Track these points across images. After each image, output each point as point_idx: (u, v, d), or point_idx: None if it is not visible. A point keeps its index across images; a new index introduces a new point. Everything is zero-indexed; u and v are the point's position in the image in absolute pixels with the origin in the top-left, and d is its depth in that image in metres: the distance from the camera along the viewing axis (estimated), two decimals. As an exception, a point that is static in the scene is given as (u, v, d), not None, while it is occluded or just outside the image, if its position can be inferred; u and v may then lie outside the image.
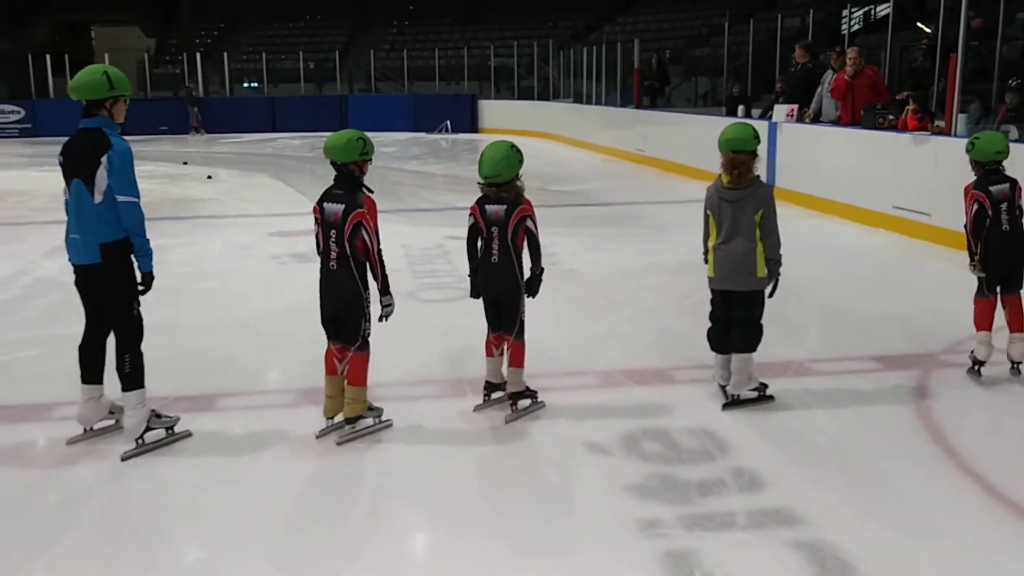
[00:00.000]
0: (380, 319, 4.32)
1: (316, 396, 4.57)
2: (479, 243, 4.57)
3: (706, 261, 4.77)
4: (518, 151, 4.48)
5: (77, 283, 4.27)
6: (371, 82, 31.02)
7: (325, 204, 4.20)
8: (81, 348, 4.34)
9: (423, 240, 9.66)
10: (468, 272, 4.71)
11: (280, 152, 21.84)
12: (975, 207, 5.01)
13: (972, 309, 5.14)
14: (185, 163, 18.30)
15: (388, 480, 4.04)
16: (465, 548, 3.44)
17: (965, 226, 5.12)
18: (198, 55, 29.79)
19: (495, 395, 4.78)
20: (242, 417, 4.74)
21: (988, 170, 5.06)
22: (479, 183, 4.57)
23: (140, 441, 4.27)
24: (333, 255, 4.20)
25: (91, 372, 4.34)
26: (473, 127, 27.50)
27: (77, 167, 4.10)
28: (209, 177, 15.79)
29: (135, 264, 4.21)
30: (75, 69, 26.46)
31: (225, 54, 31.20)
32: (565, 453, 4.22)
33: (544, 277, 4.69)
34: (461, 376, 5.24)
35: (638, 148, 17.71)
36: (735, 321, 4.66)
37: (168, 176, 16.30)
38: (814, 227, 10.29)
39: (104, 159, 4.04)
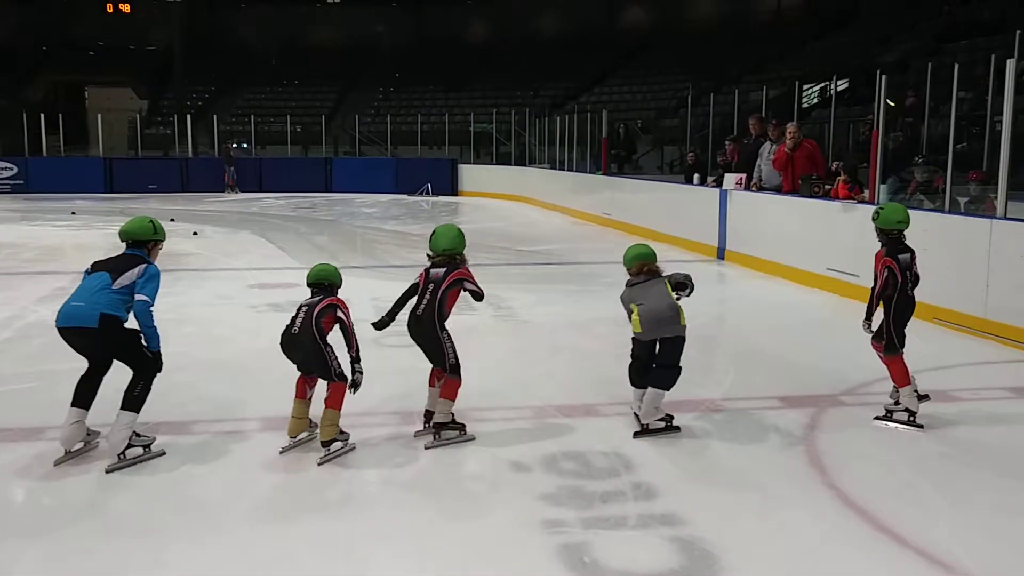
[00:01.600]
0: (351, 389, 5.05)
1: (284, 423, 5.24)
2: (413, 299, 5.40)
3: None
4: (463, 233, 5.54)
5: (73, 345, 4.92)
6: (356, 145, 32.11)
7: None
8: (81, 379, 5.04)
9: (393, 293, 10.12)
10: (386, 312, 5.48)
11: (265, 211, 22.65)
12: (886, 273, 5.56)
13: (875, 355, 5.73)
14: (172, 220, 19.01)
15: (340, 489, 4.71)
16: (391, 538, 4.12)
17: (873, 288, 5.67)
18: (188, 116, 30.83)
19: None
20: (216, 439, 5.40)
21: (891, 238, 5.65)
22: (429, 254, 5.49)
23: (122, 456, 4.91)
24: (299, 321, 5.07)
25: (81, 398, 4.99)
26: (453, 190, 28.46)
27: (111, 268, 4.99)
28: (195, 233, 16.53)
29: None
30: (69, 128, 27.41)
31: (215, 116, 32.22)
32: (491, 469, 4.91)
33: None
34: (412, 408, 5.91)
35: (605, 212, 18.61)
36: (661, 363, 5.44)
37: (155, 232, 16.98)
38: (758, 287, 11.09)
39: (140, 267, 4.99)
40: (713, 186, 14.01)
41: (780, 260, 11.56)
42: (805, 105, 22.01)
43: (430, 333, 5.27)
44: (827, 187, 11.03)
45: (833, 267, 10.35)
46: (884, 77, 9.92)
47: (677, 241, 14.54)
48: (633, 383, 5.59)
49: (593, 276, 12.16)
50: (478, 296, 5.51)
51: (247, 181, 28.87)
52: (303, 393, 5.17)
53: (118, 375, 5.06)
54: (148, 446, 5.07)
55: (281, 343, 5.12)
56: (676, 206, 15.25)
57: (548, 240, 16.48)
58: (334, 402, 5.00)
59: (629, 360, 5.65)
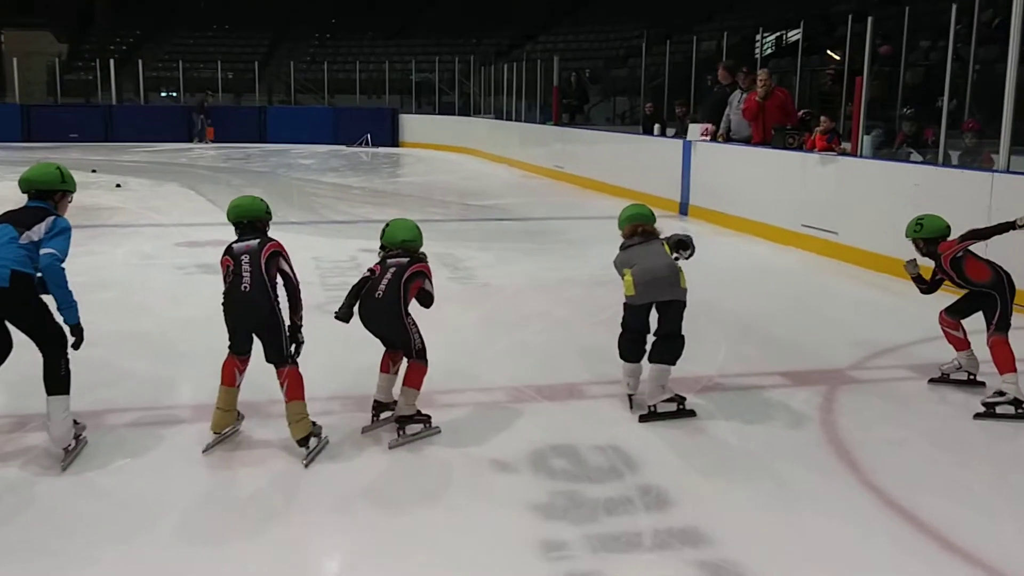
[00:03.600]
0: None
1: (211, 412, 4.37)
2: (366, 285, 4.51)
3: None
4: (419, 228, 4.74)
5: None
6: (291, 94, 30.61)
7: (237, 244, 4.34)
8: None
9: (336, 252, 9.48)
10: (344, 304, 4.53)
11: (195, 162, 21.32)
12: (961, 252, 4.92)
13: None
14: (94, 171, 17.70)
15: (280, 496, 3.88)
16: (351, 570, 3.31)
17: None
18: (112, 61, 29.00)
19: (384, 415, 4.58)
20: (133, 432, 4.51)
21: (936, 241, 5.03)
22: (384, 248, 4.63)
23: (69, 449, 4.16)
24: (245, 283, 4.19)
25: None
26: (394, 141, 27.33)
27: (15, 220, 4.14)
28: (118, 185, 15.30)
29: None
30: None
31: (140, 61, 30.44)
32: (469, 471, 4.10)
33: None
34: (369, 392, 5.07)
35: (556, 165, 17.79)
36: (662, 333, 4.72)
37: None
38: (727, 244, 10.42)
39: (49, 220, 4.14)
40: (675, 138, 13.28)
41: (750, 216, 10.90)
42: (762, 55, 21.39)
43: (393, 316, 4.41)
44: (800, 139, 10.36)
45: (809, 223, 9.72)
46: (871, 19, 9.24)
47: (636, 195, 13.72)
48: (624, 357, 4.85)
49: (552, 233, 11.35)
50: (429, 300, 4.63)
51: (174, 130, 27.29)
52: (232, 379, 4.30)
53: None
54: (79, 435, 4.31)
55: (225, 306, 4.25)
56: (635, 158, 14.50)
57: (498, 194, 15.62)
58: (296, 391, 4.21)
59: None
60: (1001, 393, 4.73)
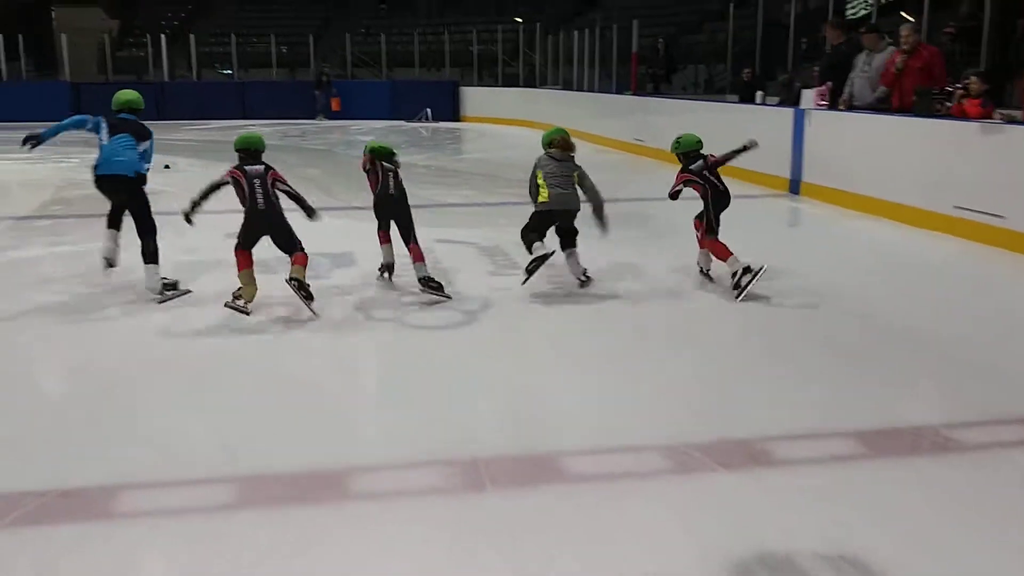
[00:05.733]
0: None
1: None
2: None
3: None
4: None
5: (106, 188, 6.14)
6: (347, 67, 29.42)
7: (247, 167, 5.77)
8: (110, 216, 6.36)
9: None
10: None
11: (248, 140, 20.19)
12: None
13: None
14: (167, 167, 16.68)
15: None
16: None
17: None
18: (163, 37, 28.04)
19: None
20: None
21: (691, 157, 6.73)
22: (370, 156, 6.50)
23: (162, 293, 6.10)
24: (260, 200, 5.67)
25: (114, 223, 6.37)
26: (455, 115, 26.01)
27: (130, 130, 6.16)
28: (167, 167, 14.13)
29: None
30: (34, 51, 24.77)
31: (192, 37, 29.48)
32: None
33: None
34: (476, 454, 3.75)
35: (636, 138, 16.31)
36: (567, 232, 6.44)
37: (120, 166, 14.70)
38: (855, 230, 8.95)
39: (152, 139, 6.29)
40: (783, 105, 11.74)
41: (881, 195, 9.37)
42: (851, 17, 19.60)
43: (405, 206, 6.29)
44: (948, 104, 8.79)
45: (964, 205, 8.19)
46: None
47: (734, 172, 12.25)
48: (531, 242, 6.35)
49: (648, 218, 9.93)
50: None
51: (228, 107, 26.25)
52: (248, 263, 5.73)
53: None
54: (175, 284, 6.34)
55: (247, 217, 5.73)
56: (733, 129, 12.85)
57: (576, 171, 14.21)
58: (303, 260, 5.72)
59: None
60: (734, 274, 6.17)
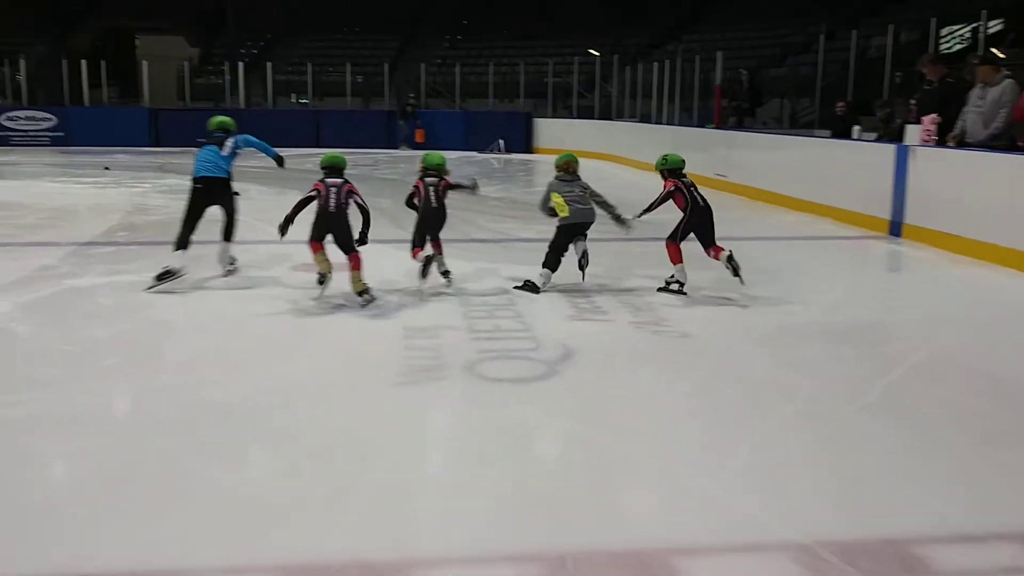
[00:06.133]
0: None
1: None
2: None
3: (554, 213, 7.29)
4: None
5: (201, 192, 7.29)
6: (421, 97, 29.28)
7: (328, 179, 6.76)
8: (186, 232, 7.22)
9: (481, 281, 7.68)
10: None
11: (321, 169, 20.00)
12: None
13: None
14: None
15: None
16: None
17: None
18: (241, 65, 28.26)
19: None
20: None
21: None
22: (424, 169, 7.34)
23: (229, 267, 7.64)
24: (333, 204, 6.58)
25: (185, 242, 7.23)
26: (527, 147, 25.60)
27: (218, 143, 7.45)
28: (236, 194, 13.76)
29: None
30: (118, 77, 25.49)
31: (269, 65, 29.70)
32: None
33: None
34: (563, 547, 3.14)
35: (718, 173, 15.59)
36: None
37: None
38: (974, 279, 8.13)
39: (230, 139, 7.52)
40: (881, 141, 10.98)
41: (996, 240, 8.54)
42: (946, 51, 18.68)
43: (443, 215, 7.15)
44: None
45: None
46: None
47: (828, 210, 11.57)
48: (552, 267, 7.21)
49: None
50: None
51: (300, 136, 26.25)
52: (320, 248, 6.61)
53: None
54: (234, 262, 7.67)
55: (318, 217, 6.56)
56: (826, 166, 12.19)
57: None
58: (358, 264, 6.55)
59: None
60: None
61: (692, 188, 7.36)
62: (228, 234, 7.51)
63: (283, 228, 6.65)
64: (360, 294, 6.47)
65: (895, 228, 10.18)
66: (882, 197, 10.37)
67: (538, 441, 4.24)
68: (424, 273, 6.78)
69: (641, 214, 7.38)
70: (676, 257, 7.15)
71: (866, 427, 4.41)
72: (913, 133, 10.02)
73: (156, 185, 15.47)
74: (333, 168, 6.83)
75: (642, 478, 3.82)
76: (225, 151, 7.39)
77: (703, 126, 17.24)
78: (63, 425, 4.32)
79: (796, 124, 18.67)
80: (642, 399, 4.80)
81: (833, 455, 4.03)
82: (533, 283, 7.16)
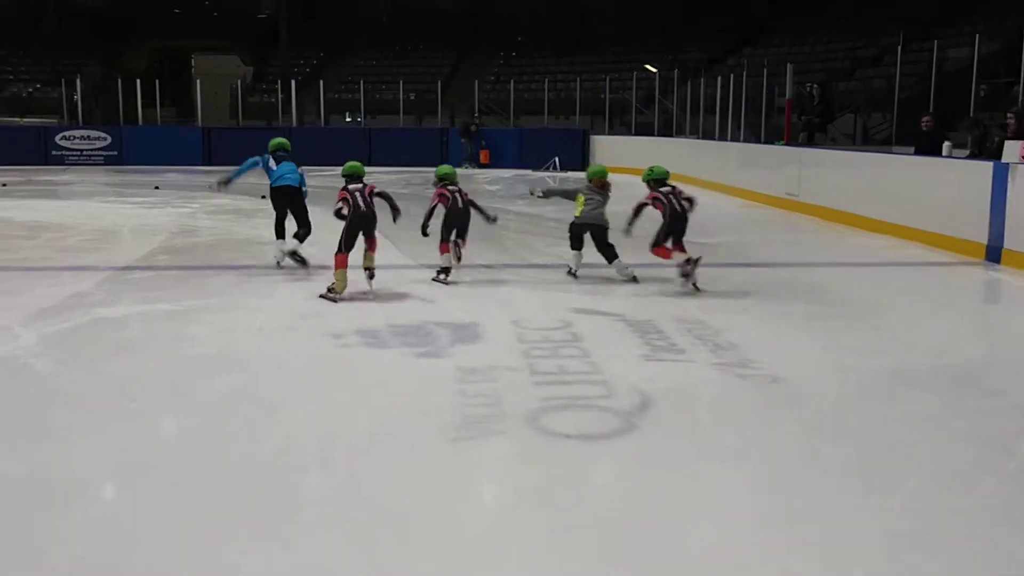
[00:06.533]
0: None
1: None
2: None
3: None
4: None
5: (280, 195, 8.83)
6: (475, 114, 28.78)
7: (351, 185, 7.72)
8: (277, 227, 8.92)
9: (540, 312, 7.01)
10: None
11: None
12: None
13: None
14: (264, 197, 16.16)
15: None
16: None
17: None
18: (293, 83, 28.03)
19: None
20: None
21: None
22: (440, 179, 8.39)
23: (297, 257, 8.74)
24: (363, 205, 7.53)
25: (280, 233, 8.91)
26: (584, 164, 24.89)
27: (290, 159, 8.91)
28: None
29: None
30: (175, 96, 25.96)
31: (321, 82, 29.48)
32: None
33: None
34: None
35: (788, 192, 14.77)
36: (604, 246, 8.16)
37: (239, 212, 14.11)
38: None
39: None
40: (974, 158, 10.11)
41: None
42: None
43: (468, 215, 8.17)
44: None
45: None
46: None
47: (913, 233, 10.69)
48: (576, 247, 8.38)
49: (822, 289, 8.40)
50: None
51: (352, 154, 25.82)
52: (345, 264, 7.35)
53: None
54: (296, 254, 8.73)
55: (352, 219, 7.42)
56: (911, 185, 11.32)
57: (724, 229, 12.77)
58: (373, 248, 7.61)
59: None
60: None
61: (671, 195, 7.94)
62: (298, 234, 8.76)
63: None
64: (366, 269, 7.49)
65: (993, 253, 9.30)
66: (978, 219, 9.50)
67: (614, 518, 3.54)
68: (457, 258, 8.02)
69: (628, 228, 7.96)
70: (667, 253, 7.87)
71: (1016, 498, 3.64)
72: (1013, 150, 9.17)
73: (204, 205, 15.09)
74: (353, 176, 7.81)
75: (748, 565, 3.10)
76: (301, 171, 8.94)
77: (771, 143, 16.42)
78: (65, 489, 3.74)
79: (870, 140, 17.74)
80: (735, 462, 4.08)
81: (982, 535, 3.28)
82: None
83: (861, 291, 8.30)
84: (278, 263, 8.74)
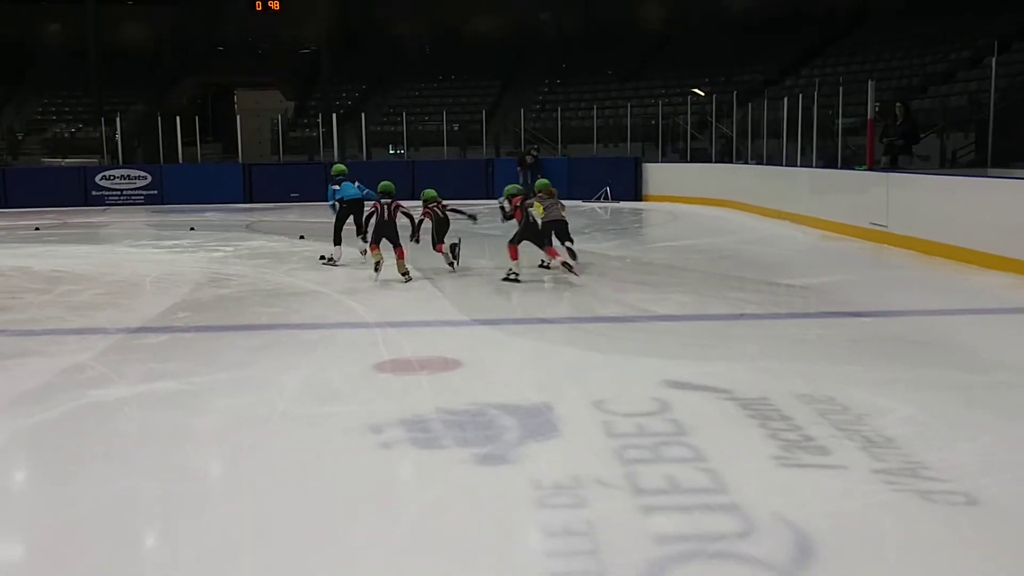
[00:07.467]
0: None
1: None
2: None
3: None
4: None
5: (350, 207, 11.74)
6: (521, 144, 27.64)
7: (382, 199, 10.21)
8: (335, 235, 11.66)
9: (627, 391, 5.63)
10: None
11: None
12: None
13: None
14: (302, 237, 15.12)
15: None
16: None
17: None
18: (334, 117, 27.14)
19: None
20: None
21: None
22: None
23: (364, 252, 11.11)
24: (386, 216, 10.05)
25: (339, 240, 11.65)
26: (636, 194, 23.63)
27: (351, 180, 12.03)
28: (324, 260, 12.04)
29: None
30: (217, 132, 26.02)
31: (363, 115, 28.59)
32: None
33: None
34: None
35: (873, 222, 13.31)
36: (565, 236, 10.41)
37: (273, 255, 13.03)
38: None
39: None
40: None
41: None
42: None
43: (447, 223, 10.68)
44: None
45: None
46: None
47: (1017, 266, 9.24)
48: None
49: (961, 348, 6.90)
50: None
51: (398, 186, 24.78)
52: (377, 248, 9.96)
53: None
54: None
55: (376, 226, 10.05)
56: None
57: (808, 267, 11.38)
58: (403, 255, 10.02)
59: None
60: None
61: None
62: (360, 232, 11.62)
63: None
64: (403, 275, 9.92)
65: None
66: None
67: None
68: (454, 255, 10.59)
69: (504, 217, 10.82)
70: (515, 254, 9.90)
71: None
72: None
73: (238, 248, 14.04)
74: (386, 192, 10.28)
75: None
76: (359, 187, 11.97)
77: (852, 167, 14.97)
78: None
79: (956, 163, 16.21)
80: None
81: None
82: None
83: (1012, 347, 6.84)
84: (358, 253, 11.71)
